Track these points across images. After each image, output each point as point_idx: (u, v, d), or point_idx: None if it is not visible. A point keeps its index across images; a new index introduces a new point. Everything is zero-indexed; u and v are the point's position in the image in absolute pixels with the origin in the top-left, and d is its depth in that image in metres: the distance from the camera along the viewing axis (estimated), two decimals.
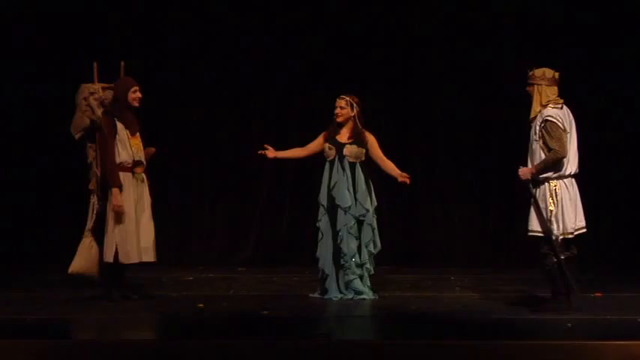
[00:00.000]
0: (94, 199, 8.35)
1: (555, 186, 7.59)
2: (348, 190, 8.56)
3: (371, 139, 8.68)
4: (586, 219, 7.72)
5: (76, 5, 11.36)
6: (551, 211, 7.55)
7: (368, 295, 8.56)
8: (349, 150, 8.62)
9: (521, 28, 11.34)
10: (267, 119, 11.75)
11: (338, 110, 8.68)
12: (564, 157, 7.56)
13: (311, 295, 8.74)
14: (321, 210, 8.65)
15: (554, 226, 7.54)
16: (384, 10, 11.58)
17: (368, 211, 8.56)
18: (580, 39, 11.30)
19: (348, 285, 8.56)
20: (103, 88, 8.40)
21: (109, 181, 8.19)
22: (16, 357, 6.39)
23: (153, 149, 8.56)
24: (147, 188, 8.43)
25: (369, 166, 8.70)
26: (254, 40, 11.67)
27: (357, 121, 8.66)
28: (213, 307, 8.13)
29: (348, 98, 8.68)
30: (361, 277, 8.58)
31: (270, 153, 8.80)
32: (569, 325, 7.14)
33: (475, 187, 11.60)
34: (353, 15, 11.61)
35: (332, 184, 8.61)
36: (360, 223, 8.56)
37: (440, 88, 11.64)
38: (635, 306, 8.12)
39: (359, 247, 8.55)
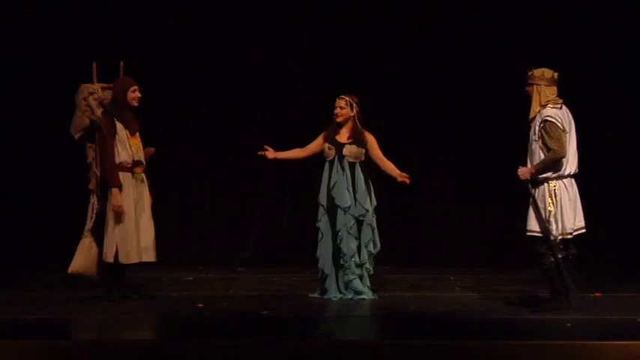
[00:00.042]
0: (93, 199, 8.34)
1: (555, 186, 7.59)
2: (348, 190, 8.56)
3: (370, 139, 8.68)
4: (586, 219, 7.72)
5: (76, 5, 11.36)
6: (549, 211, 7.55)
7: (368, 295, 8.56)
8: (349, 150, 8.62)
9: (521, 28, 11.34)
10: (267, 119, 11.75)
11: (338, 110, 8.68)
12: (563, 157, 7.56)
13: (311, 295, 8.74)
14: (321, 210, 8.65)
15: (553, 227, 7.54)
16: (384, 10, 11.58)
17: (367, 211, 8.56)
18: (580, 39, 11.30)
19: (347, 285, 8.56)
20: (103, 88, 8.40)
21: (109, 181, 8.19)
22: (16, 357, 6.39)
23: (153, 149, 8.56)
24: (147, 188, 8.43)
25: (369, 166, 8.70)
26: (254, 40, 11.67)
27: (357, 121, 8.66)
28: (213, 307, 8.13)
29: (347, 98, 8.68)
30: (361, 277, 8.58)
31: (270, 154, 8.80)
32: (569, 325, 7.14)
33: (475, 187, 11.60)
34: (353, 15, 11.61)
35: (332, 184, 8.61)
36: (359, 223, 8.57)
37: (440, 88, 11.64)
38: (635, 306, 8.13)
39: (358, 247, 8.55)
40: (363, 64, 11.59)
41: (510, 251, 11.25)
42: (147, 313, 7.97)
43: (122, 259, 8.20)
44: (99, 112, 8.29)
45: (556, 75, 7.73)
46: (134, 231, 8.24)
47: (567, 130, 7.63)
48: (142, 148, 8.41)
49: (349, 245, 8.51)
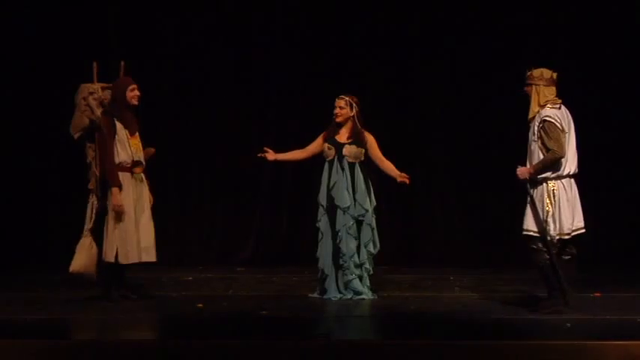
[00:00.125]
0: (93, 199, 8.35)
1: (553, 187, 7.59)
2: (347, 190, 8.56)
3: (370, 139, 8.68)
4: (585, 219, 7.72)
5: (76, 5, 11.36)
6: (547, 211, 7.55)
7: (367, 295, 8.56)
8: (348, 150, 8.63)
9: (521, 28, 11.33)
10: (267, 119, 11.76)
11: (337, 110, 8.68)
12: (562, 157, 7.56)
13: (310, 295, 8.75)
14: (321, 210, 8.66)
15: (551, 227, 7.54)
16: (383, 10, 11.58)
17: (367, 211, 8.56)
18: (580, 39, 11.30)
19: (347, 285, 8.56)
20: (103, 88, 8.40)
21: (109, 181, 8.20)
22: (16, 357, 6.40)
23: (152, 150, 8.56)
24: (146, 188, 8.44)
25: (369, 166, 8.70)
26: (254, 40, 11.67)
27: (357, 121, 8.67)
28: (212, 307, 8.13)
29: (347, 98, 8.68)
30: (360, 278, 8.58)
31: (270, 155, 8.80)
32: (569, 325, 7.14)
33: (475, 188, 11.59)
34: (353, 15, 11.61)
35: (331, 184, 8.61)
36: (359, 223, 8.57)
37: (439, 88, 11.64)
38: (635, 306, 8.13)
39: (358, 247, 8.55)
40: (363, 64, 11.59)
41: (510, 251, 11.21)
42: (146, 313, 7.97)
43: (122, 259, 8.20)
44: (99, 112, 8.29)
45: (555, 75, 7.73)
46: (134, 231, 8.25)
47: (566, 130, 7.63)
48: (141, 148, 8.41)
49: (348, 245, 8.51)
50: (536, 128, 7.61)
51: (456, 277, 10.14)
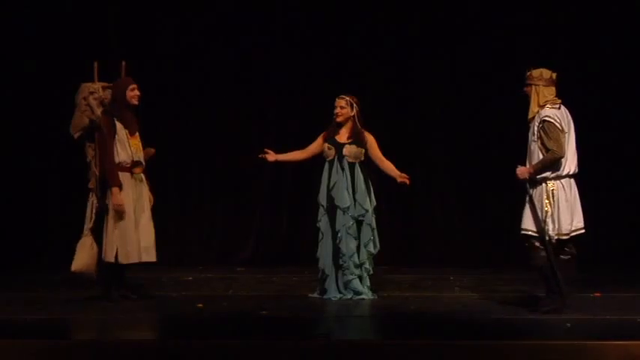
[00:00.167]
0: (93, 199, 8.35)
1: (552, 187, 7.58)
2: (347, 190, 8.56)
3: (370, 139, 8.68)
4: (585, 219, 7.72)
5: (76, 5, 11.36)
6: (546, 211, 7.55)
7: (367, 295, 8.56)
8: (348, 150, 8.62)
9: (521, 28, 11.33)
10: (267, 119, 11.76)
11: (337, 110, 8.68)
12: (562, 157, 7.56)
13: (310, 295, 8.74)
14: (321, 210, 8.65)
15: (549, 227, 7.54)
16: (383, 10, 11.58)
17: (367, 211, 8.56)
18: (580, 39, 11.30)
19: (347, 285, 8.56)
20: (103, 88, 8.39)
21: (109, 181, 8.20)
22: (16, 357, 6.39)
23: (152, 150, 8.56)
24: (146, 188, 8.44)
25: (369, 166, 8.70)
26: (254, 40, 11.67)
27: (357, 121, 8.66)
28: (212, 307, 8.13)
29: (347, 98, 8.68)
30: (360, 278, 8.57)
31: (271, 156, 8.80)
32: (569, 325, 7.14)
33: (475, 188, 11.59)
34: (353, 15, 11.61)
35: (331, 184, 8.61)
36: (359, 223, 8.56)
37: (439, 88, 11.64)
38: (635, 306, 8.13)
39: (358, 247, 8.55)
40: (363, 64, 11.59)
41: (510, 251, 11.22)
42: (146, 313, 7.97)
43: (122, 259, 8.20)
44: (99, 111, 8.29)
45: (554, 75, 7.73)
46: (134, 231, 8.25)
47: (566, 130, 7.63)
48: (141, 148, 8.41)
49: (348, 245, 8.51)
50: (535, 128, 7.62)
51: (456, 277, 10.14)
